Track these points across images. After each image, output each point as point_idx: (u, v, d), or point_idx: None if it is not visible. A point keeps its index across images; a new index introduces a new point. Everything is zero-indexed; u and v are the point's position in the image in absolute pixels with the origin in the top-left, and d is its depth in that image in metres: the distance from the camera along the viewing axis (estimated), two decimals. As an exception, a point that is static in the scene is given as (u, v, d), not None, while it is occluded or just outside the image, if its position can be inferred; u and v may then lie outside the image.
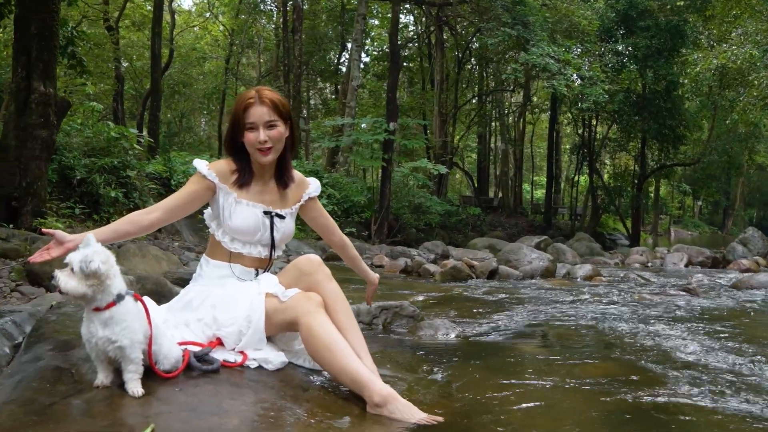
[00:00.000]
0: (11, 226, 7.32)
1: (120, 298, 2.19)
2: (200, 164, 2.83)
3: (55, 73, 7.86)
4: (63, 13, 9.75)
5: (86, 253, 2.12)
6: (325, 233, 3.21)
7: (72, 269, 2.10)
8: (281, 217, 2.92)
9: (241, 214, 2.81)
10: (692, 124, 28.59)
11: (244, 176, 2.84)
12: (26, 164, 7.52)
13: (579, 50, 21.68)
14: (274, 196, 2.93)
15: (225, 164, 2.85)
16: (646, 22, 23.63)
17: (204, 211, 2.94)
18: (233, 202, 2.82)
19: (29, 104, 7.51)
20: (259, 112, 2.75)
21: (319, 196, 3.16)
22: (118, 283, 2.20)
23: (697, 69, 22.37)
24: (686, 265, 11.37)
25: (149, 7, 25.25)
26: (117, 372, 2.23)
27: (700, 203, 61.15)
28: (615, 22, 24.73)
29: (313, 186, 3.11)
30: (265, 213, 2.86)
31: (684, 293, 6.75)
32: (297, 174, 3.05)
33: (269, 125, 2.76)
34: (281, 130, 2.79)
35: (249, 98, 2.78)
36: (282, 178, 2.95)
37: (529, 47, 18.26)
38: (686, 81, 26.18)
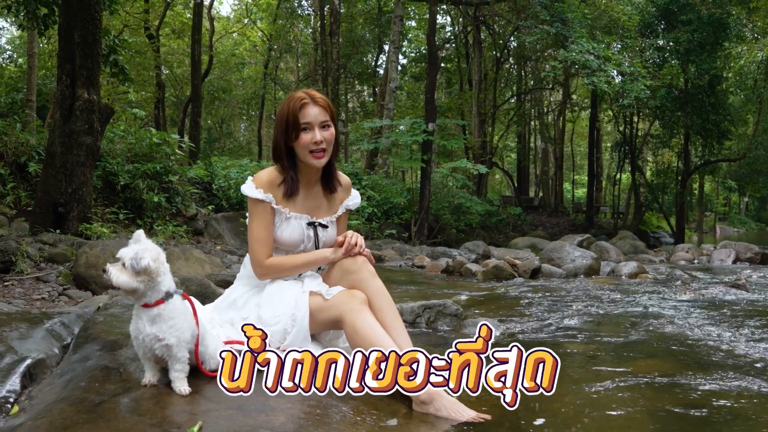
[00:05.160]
0: (58, 231, 7.47)
1: (169, 296, 2.21)
2: (250, 191, 2.74)
3: (99, 80, 8.00)
4: (105, 23, 9.92)
5: (137, 250, 2.14)
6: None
7: (123, 264, 2.12)
8: (324, 226, 2.90)
9: (287, 228, 2.80)
10: (737, 118, 28.08)
11: (291, 185, 2.79)
12: (72, 170, 7.66)
13: (619, 46, 21.38)
14: (320, 202, 2.91)
15: (270, 179, 2.77)
16: (688, 16, 23.21)
17: (247, 215, 2.92)
18: (284, 219, 2.80)
19: (74, 111, 7.66)
20: (315, 112, 2.70)
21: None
22: (167, 281, 2.22)
23: (742, 62, 22.01)
24: (734, 262, 11.11)
25: (189, 15, 25.62)
26: (164, 371, 2.25)
27: (746, 199, 59.95)
28: (656, 16, 24.39)
29: (354, 199, 3.05)
30: (309, 224, 2.85)
31: (733, 289, 6.58)
32: (343, 177, 3.02)
33: (324, 126, 2.72)
34: (333, 132, 2.76)
35: (301, 99, 2.72)
36: (329, 183, 2.92)
37: (568, 44, 18.07)
38: (730, 75, 25.71)
